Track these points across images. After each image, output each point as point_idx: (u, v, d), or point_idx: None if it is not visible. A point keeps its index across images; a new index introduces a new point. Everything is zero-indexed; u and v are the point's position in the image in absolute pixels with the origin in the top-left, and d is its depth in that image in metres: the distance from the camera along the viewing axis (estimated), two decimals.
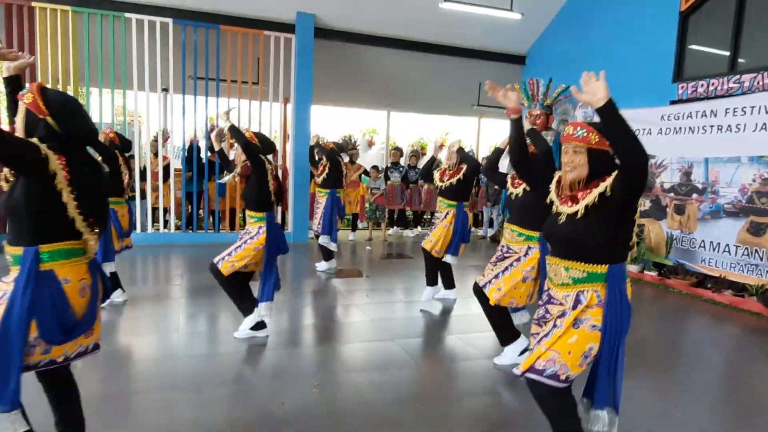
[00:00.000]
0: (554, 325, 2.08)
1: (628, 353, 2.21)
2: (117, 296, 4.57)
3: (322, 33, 8.06)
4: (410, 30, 8.55)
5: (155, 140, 8.15)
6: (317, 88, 8.12)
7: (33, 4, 6.71)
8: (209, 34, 7.47)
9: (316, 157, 6.83)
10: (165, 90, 7.89)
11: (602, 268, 2.01)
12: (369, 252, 7.86)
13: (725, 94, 5.93)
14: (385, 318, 4.67)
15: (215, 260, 3.75)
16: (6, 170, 1.87)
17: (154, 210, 7.94)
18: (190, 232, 7.90)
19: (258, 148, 3.73)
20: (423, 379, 3.45)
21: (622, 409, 2.20)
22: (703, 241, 5.92)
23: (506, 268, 3.40)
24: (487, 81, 2.12)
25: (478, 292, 3.47)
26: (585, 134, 2.01)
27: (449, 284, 5.20)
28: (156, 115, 8.27)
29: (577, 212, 2.03)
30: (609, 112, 1.79)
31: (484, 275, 3.51)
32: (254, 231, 3.78)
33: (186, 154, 8.10)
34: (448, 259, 4.86)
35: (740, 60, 6.00)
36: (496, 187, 9.19)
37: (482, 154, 11.83)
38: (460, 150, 4.84)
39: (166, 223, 7.83)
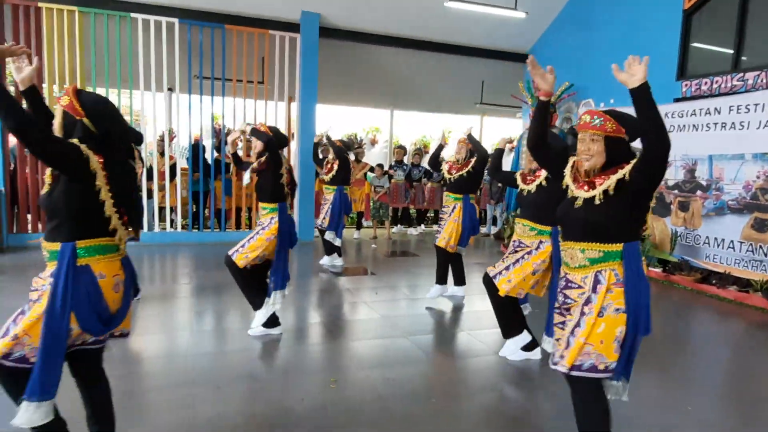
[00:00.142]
0: (582, 313, 2.08)
1: None
2: None
3: (326, 32, 8.11)
4: (414, 29, 8.58)
5: (161, 140, 8.19)
6: (321, 87, 8.16)
7: (39, 4, 6.74)
8: (215, 34, 7.51)
9: (320, 156, 6.86)
10: (171, 89, 7.93)
11: (618, 247, 2.06)
12: (374, 250, 7.92)
13: (729, 92, 5.98)
14: (394, 315, 4.71)
15: (230, 252, 3.80)
16: (48, 171, 1.92)
17: (161, 209, 7.98)
18: (196, 231, 7.95)
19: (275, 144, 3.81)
20: (436, 375, 3.50)
21: (629, 403, 2.32)
22: (707, 237, 5.97)
23: (517, 261, 3.44)
24: (530, 56, 2.15)
25: (488, 282, 3.50)
26: (602, 122, 2.05)
27: (459, 280, 5.24)
28: (162, 115, 8.31)
29: (594, 197, 2.07)
30: (644, 93, 1.85)
31: (495, 267, 3.55)
32: (266, 222, 3.84)
33: (191, 153, 8.15)
34: (459, 250, 4.95)
35: (744, 58, 6.04)
36: (500, 185, 9.24)
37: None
38: (470, 137, 4.86)
39: (172, 222, 7.87)
